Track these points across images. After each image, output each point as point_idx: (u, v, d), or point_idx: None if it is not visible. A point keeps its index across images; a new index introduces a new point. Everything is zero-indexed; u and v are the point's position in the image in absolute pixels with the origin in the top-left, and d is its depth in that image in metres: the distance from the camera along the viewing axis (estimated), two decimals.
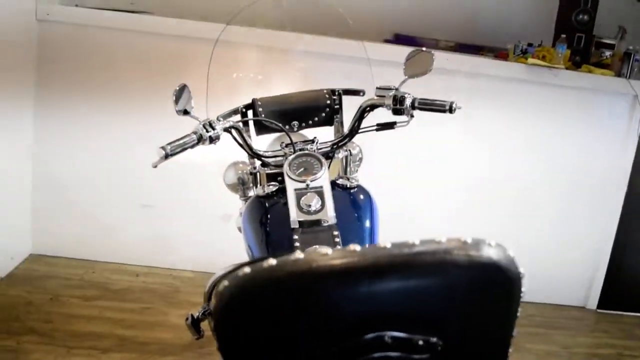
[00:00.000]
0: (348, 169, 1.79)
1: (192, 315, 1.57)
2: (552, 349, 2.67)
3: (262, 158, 1.69)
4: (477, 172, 3.00)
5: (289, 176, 1.53)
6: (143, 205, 2.95)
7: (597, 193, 3.01)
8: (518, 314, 0.84)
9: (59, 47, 2.82)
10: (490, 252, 0.76)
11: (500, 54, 3.27)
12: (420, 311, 0.77)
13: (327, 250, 0.73)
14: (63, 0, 2.94)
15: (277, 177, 1.66)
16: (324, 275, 0.72)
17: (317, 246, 1.36)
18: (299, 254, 0.73)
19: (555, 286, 3.10)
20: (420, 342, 0.77)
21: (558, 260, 3.08)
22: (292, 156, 1.59)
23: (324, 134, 1.78)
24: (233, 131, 1.60)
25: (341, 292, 0.73)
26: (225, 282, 0.75)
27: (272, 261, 0.74)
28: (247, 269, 0.74)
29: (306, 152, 1.61)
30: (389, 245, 0.74)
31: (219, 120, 1.58)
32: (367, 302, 0.73)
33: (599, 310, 3.08)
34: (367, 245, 0.75)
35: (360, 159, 1.91)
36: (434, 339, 0.78)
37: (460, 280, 0.76)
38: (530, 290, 3.00)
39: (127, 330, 2.43)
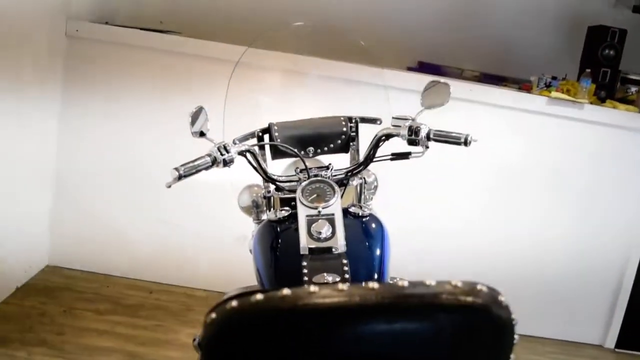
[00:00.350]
0: (362, 196, 1.78)
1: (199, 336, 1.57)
2: None
3: (276, 182, 1.69)
4: (492, 204, 2.97)
5: (301, 202, 1.53)
6: (160, 222, 2.97)
7: (619, 230, 2.97)
8: (511, 359, 0.82)
9: (86, 62, 2.87)
10: (480, 297, 0.75)
11: (524, 86, 3.26)
12: (407, 355, 0.75)
13: (314, 288, 0.73)
14: (94, 17, 3.01)
15: (290, 202, 1.66)
16: (309, 313, 0.71)
17: (324, 274, 1.35)
18: (286, 291, 0.73)
19: (574, 323, 3.05)
20: None
21: (577, 297, 3.03)
22: (306, 182, 1.59)
23: (340, 161, 1.78)
24: (248, 155, 1.61)
25: (326, 332, 0.73)
26: (213, 315, 0.76)
27: (259, 296, 0.74)
28: (234, 303, 0.74)
29: (320, 178, 1.61)
30: (376, 286, 0.74)
31: (235, 144, 1.59)
32: (352, 343, 0.72)
33: (617, 350, 3.01)
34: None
35: (376, 187, 1.90)
36: None
37: (449, 324, 0.75)
38: (548, 327, 2.96)
39: (137, 347, 2.43)
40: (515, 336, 0.79)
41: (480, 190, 2.97)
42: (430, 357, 0.76)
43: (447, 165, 2.86)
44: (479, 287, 0.75)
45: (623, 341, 3.01)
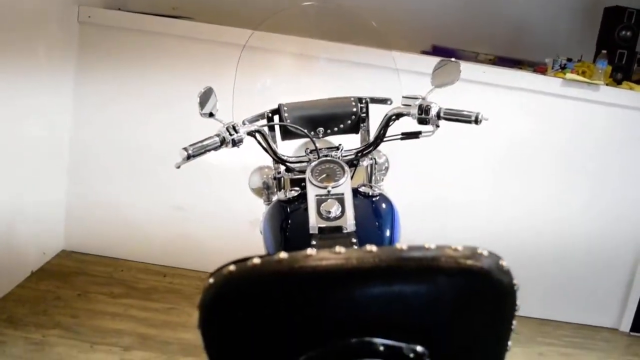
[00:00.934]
0: (373, 177, 1.78)
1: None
2: None
3: (286, 163, 1.69)
4: (506, 186, 2.95)
5: (310, 182, 1.52)
6: (174, 207, 2.98)
7: (633, 211, 2.93)
8: (513, 328, 0.80)
9: (98, 48, 2.88)
10: (481, 261, 0.74)
11: (538, 68, 3.22)
12: (405, 318, 0.74)
13: (312, 251, 0.72)
14: (106, 3, 3.01)
15: (300, 182, 1.66)
16: (306, 276, 0.71)
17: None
18: (283, 254, 0.73)
19: (588, 307, 3.03)
20: (406, 351, 0.75)
21: (591, 280, 3.00)
22: (315, 162, 1.58)
23: (350, 142, 1.77)
24: (257, 135, 1.60)
25: (323, 295, 0.72)
26: (211, 280, 0.76)
27: (257, 260, 0.74)
28: (232, 267, 0.74)
29: (329, 158, 1.60)
30: (374, 249, 0.73)
31: (244, 124, 1.58)
32: (350, 306, 0.72)
33: (632, 333, 2.99)
34: (355, 248, 0.73)
35: (387, 168, 1.89)
36: (420, 349, 0.76)
37: (448, 289, 0.73)
38: (563, 310, 2.94)
39: (150, 329, 2.45)
40: (517, 302, 0.78)
41: (492, 171, 2.95)
42: (429, 321, 0.75)
43: (460, 146, 2.84)
44: (479, 251, 0.74)
45: (638, 325, 2.99)
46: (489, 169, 2.95)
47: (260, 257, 0.73)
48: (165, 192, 2.99)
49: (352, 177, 1.64)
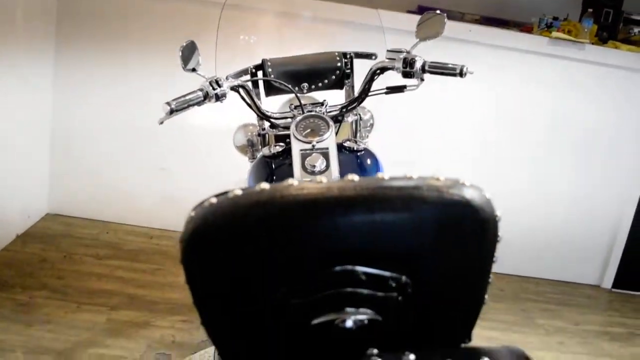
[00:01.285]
0: (358, 134, 1.77)
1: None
2: (563, 326, 2.64)
3: (271, 119, 1.68)
4: (492, 145, 2.96)
5: (295, 136, 1.52)
6: (160, 169, 2.97)
7: (617, 172, 2.96)
8: (494, 259, 0.81)
9: (78, 12, 2.82)
10: (463, 191, 0.74)
11: (525, 27, 3.21)
12: (387, 248, 0.74)
13: (293, 181, 0.72)
14: None
15: (285, 139, 1.65)
16: (287, 206, 0.71)
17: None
18: (264, 185, 0.72)
19: (572, 265, 3.07)
20: (390, 280, 0.76)
21: (575, 238, 3.04)
22: (300, 117, 1.57)
23: (335, 99, 1.76)
24: (241, 90, 1.59)
25: (304, 224, 0.72)
26: (192, 213, 0.75)
27: (238, 191, 0.73)
28: (213, 199, 0.74)
29: (314, 113, 1.59)
30: (356, 179, 0.73)
31: (227, 79, 1.57)
32: (332, 236, 0.72)
33: (613, 290, 3.04)
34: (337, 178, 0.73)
35: (372, 125, 1.89)
36: (403, 278, 0.76)
37: (430, 217, 0.73)
38: (546, 268, 2.98)
39: (137, 290, 2.46)
40: (499, 234, 0.78)
41: (479, 129, 2.95)
42: (411, 250, 0.75)
43: (445, 103, 2.84)
44: (461, 181, 0.74)
45: (619, 281, 3.04)
46: (476, 126, 2.95)
47: (242, 189, 0.73)
48: (149, 154, 2.97)
49: (336, 133, 1.63)
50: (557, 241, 3.03)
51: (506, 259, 2.90)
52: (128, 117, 2.92)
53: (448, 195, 0.73)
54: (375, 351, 0.74)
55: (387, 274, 0.76)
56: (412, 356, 0.72)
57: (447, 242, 0.76)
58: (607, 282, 3.06)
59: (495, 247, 0.79)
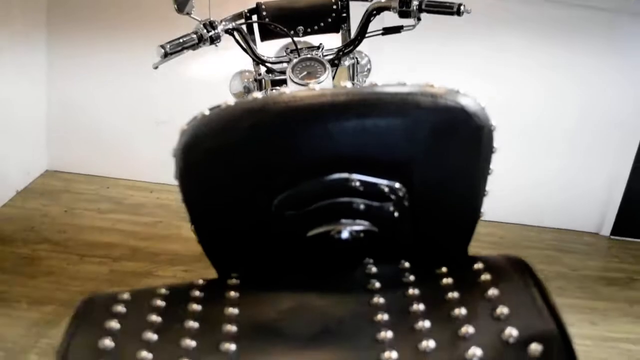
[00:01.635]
0: (355, 78, 1.76)
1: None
2: (562, 271, 2.67)
3: (267, 64, 1.67)
4: (486, 93, 2.92)
5: (291, 79, 1.51)
6: (158, 123, 2.95)
7: (615, 119, 2.93)
8: (490, 171, 0.81)
9: None
10: (457, 98, 0.73)
11: None
12: (381, 155, 0.74)
13: (286, 89, 0.72)
14: None
15: (281, 84, 1.65)
16: (280, 112, 0.70)
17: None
18: (257, 93, 0.72)
19: (571, 212, 3.08)
20: (384, 188, 0.76)
21: (574, 186, 3.04)
22: (296, 60, 1.56)
23: (332, 43, 1.75)
24: (236, 34, 1.58)
25: (298, 131, 0.72)
26: (185, 126, 0.75)
27: (230, 102, 0.73)
28: (206, 111, 0.74)
29: (310, 56, 1.58)
30: (349, 86, 0.73)
31: (222, 23, 1.55)
32: (326, 143, 0.72)
33: (612, 237, 3.05)
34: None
35: (369, 70, 1.88)
36: (398, 185, 0.76)
37: (424, 123, 0.73)
38: (545, 216, 2.96)
39: (139, 242, 2.48)
40: (494, 144, 0.78)
41: (479, 61, 2.86)
42: (405, 156, 0.75)
43: (445, 47, 2.79)
44: (456, 89, 0.74)
45: (618, 229, 3.05)
46: (474, 63, 2.88)
47: (235, 100, 0.73)
48: (147, 108, 2.95)
49: (333, 77, 1.63)
50: (556, 189, 3.03)
51: (506, 207, 2.92)
52: (126, 71, 2.89)
53: (442, 101, 0.72)
54: (371, 260, 0.75)
55: (381, 181, 0.76)
56: (407, 264, 0.73)
57: (442, 149, 0.76)
58: (606, 230, 3.07)
59: (491, 158, 0.79)
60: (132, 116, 2.97)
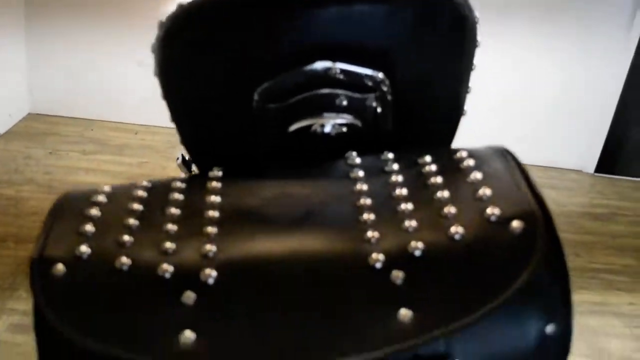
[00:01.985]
0: None
1: (182, 156, 1.58)
2: (549, 207, 2.69)
3: None
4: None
5: None
6: (140, 63, 2.90)
7: (600, 61, 2.93)
8: (473, 67, 0.81)
9: None
10: None
11: None
12: (364, 43, 0.74)
13: None
14: None
15: None
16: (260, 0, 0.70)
17: None
18: None
19: (555, 150, 3.09)
20: (366, 79, 0.75)
21: (558, 124, 3.05)
22: None
23: None
24: None
25: (278, 18, 0.71)
26: (163, 19, 0.75)
27: None
28: (184, 2, 0.73)
29: None
30: None
31: None
32: (307, 30, 0.71)
33: (595, 174, 3.08)
34: None
35: None
36: (380, 75, 0.76)
37: (407, 8, 0.73)
38: (530, 153, 2.98)
39: (125, 181, 2.45)
40: (478, 38, 0.78)
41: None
42: (387, 44, 0.75)
43: None
44: None
45: (601, 166, 3.07)
46: None
47: None
48: (131, 48, 2.90)
49: None
50: (543, 127, 3.04)
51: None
52: (107, 11, 2.84)
53: None
54: (354, 153, 0.74)
55: (364, 71, 0.76)
56: (390, 154, 0.72)
57: (424, 37, 0.76)
58: (590, 167, 3.09)
59: (474, 52, 0.79)
60: (114, 57, 2.92)
